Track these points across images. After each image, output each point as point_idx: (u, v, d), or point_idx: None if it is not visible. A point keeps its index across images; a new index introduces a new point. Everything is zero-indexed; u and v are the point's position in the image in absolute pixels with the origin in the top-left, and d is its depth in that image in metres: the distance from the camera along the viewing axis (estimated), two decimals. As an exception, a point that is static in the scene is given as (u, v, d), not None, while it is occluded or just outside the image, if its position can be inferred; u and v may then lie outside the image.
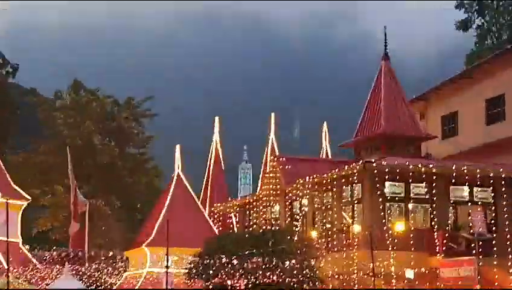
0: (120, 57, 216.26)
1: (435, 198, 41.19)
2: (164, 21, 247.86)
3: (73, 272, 36.86)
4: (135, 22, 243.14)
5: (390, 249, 38.75)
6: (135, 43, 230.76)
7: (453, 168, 41.90)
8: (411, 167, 40.84)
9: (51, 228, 66.27)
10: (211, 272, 35.78)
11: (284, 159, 48.09)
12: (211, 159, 58.82)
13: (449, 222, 41.29)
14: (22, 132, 69.02)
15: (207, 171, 58.77)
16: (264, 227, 45.75)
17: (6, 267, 33.49)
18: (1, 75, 65.27)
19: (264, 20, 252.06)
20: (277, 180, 47.19)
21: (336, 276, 40.33)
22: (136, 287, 44.31)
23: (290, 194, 46.45)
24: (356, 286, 39.28)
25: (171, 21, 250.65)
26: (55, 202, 65.15)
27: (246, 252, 35.36)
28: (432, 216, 41.13)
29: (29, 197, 48.63)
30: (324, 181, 43.16)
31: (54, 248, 47.00)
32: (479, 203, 41.73)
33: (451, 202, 41.70)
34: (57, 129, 68.33)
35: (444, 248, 39.94)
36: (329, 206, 43.47)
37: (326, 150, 59.90)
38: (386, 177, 40.56)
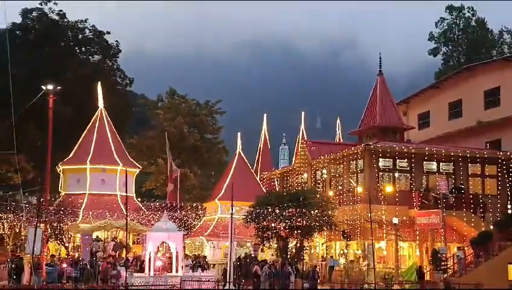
0: (199, 71, 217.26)
1: (413, 169, 40.97)
2: (227, 48, 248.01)
3: (169, 217, 37.15)
4: (209, 48, 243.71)
5: (382, 203, 38.65)
6: (209, 64, 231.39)
7: (426, 149, 41.75)
8: (397, 148, 40.70)
9: (154, 187, 66.75)
10: (260, 218, 35.99)
11: (310, 142, 48.14)
12: (260, 143, 58.94)
13: (423, 185, 40.99)
14: (135, 123, 69.57)
15: (258, 150, 58.91)
16: (296, 188, 45.81)
17: (125, 213, 33.88)
18: (122, 85, 65.64)
19: (295, 45, 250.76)
20: (305, 157, 47.15)
21: (345, 222, 40.36)
22: (211, 228, 44.69)
23: (314, 166, 46.46)
24: (358, 228, 39.36)
25: (232, 48, 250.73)
26: (157, 170, 65.57)
27: (285, 205, 35.48)
28: (411, 182, 40.90)
29: (140, 166, 49.09)
30: (337, 157, 43.10)
31: (157, 200, 47.38)
32: (444, 173, 41.41)
33: (424, 172, 41.40)
34: (158, 121, 68.67)
35: (419, 203, 39.71)
36: (341, 175, 43.40)
37: (339, 136, 59.75)
38: (380, 155, 40.42)
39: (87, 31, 62.56)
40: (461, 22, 70.30)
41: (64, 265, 33.12)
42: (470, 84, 49.49)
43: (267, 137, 59.07)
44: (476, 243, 36.67)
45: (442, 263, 35.57)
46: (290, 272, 33.54)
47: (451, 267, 36.85)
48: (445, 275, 35.05)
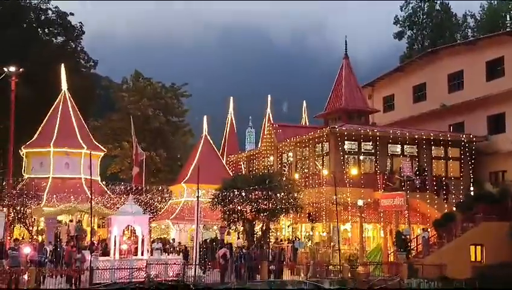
0: (168, 54, 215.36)
1: (377, 152, 41.35)
2: (197, 31, 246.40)
3: (135, 200, 36.86)
4: (178, 31, 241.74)
5: (347, 186, 38.92)
6: (177, 47, 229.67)
7: (390, 132, 42.11)
8: (362, 131, 41.00)
9: (120, 170, 66.22)
10: (227, 200, 35.94)
11: (276, 125, 48.16)
12: (227, 125, 58.76)
13: (387, 168, 41.40)
14: (100, 106, 68.67)
15: (224, 133, 58.72)
16: (262, 171, 45.86)
17: (90, 196, 33.57)
18: (86, 67, 64.64)
19: (264, 29, 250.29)
20: (272, 140, 47.23)
21: (311, 204, 40.56)
22: (177, 211, 44.54)
23: (280, 149, 46.56)
24: (324, 211, 39.59)
25: (201, 33, 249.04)
26: (123, 153, 65.06)
27: (251, 188, 35.48)
28: (375, 164, 41.30)
29: (105, 150, 48.53)
30: (303, 140, 43.25)
31: (122, 183, 46.97)
32: (408, 155, 41.85)
33: (389, 154, 41.83)
34: (123, 104, 67.97)
35: (383, 186, 40.10)
36: (306, 157, 43.60)
37: (305, 120, 59.90)
38: (345, 138, 40.67)
39: (50, 12, 61.42)
40: (426, 5, 70.75)
41: (28, 249, 32.66)
42: (434, 67, 49.96)
43: (234, 120, 58.91)
44: (439, 224, 37.26)
45: (406, 245, 36.04)
46: (257, 255, 33.57)
47: (415, 248, 37.40)
48: (409, 256, 35.53)
